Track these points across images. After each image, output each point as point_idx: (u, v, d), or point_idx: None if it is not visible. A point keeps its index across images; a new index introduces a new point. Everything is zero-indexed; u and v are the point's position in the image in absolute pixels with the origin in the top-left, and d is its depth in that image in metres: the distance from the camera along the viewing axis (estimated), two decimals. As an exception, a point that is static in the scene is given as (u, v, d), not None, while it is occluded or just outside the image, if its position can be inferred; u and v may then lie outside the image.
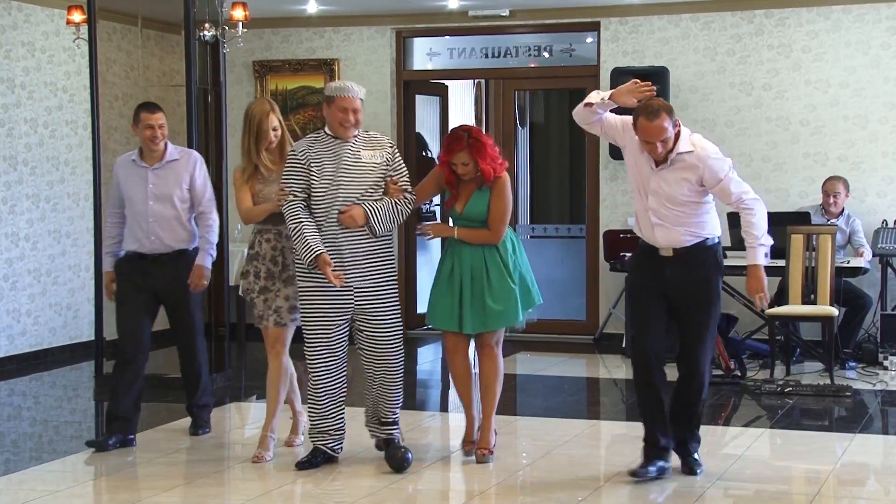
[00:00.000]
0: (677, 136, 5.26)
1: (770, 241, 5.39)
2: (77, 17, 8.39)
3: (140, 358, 6.08)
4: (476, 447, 5.70)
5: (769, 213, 8.73)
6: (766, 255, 5.35)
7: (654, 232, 5.31)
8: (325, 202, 5.44)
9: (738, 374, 7.95)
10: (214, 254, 6.12)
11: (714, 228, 5.38)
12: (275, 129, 5.73)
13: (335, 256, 5.42)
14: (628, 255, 9.06)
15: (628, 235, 9.26)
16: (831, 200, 8.67)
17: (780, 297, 8.30)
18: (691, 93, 9.51)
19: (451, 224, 5.80)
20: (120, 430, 5.98)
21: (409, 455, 5.55)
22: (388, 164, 5.53)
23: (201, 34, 8.05)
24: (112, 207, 6.18)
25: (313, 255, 5.34)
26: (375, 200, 5.46)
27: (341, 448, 5.68)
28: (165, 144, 6.08)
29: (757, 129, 9.42)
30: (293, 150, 5.56)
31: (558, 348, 9.58)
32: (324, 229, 5.44)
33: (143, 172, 6.04)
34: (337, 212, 5.40)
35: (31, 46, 8.86)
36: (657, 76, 9.29)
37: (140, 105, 6.17)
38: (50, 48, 9.02)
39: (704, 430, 6.66)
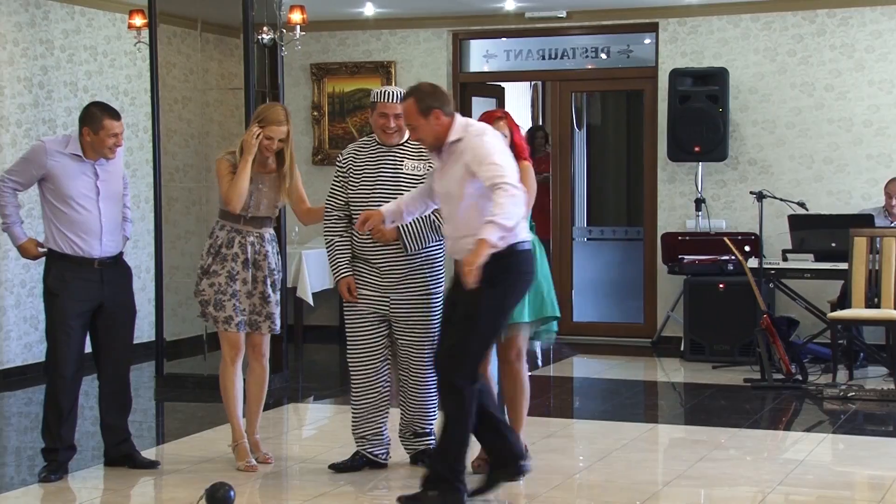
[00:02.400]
0: (448, 128, 4.90)
1: (508, 226, 4.60)
2: (138, 21, 8.52)
3: (79, 387, 5.65)
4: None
5: (831, 216, 8.76)
6: (499, 237, 4.63)
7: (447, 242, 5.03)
8: (362, 211, 5.36)
9: (800, 378, 7.87)
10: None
11: (510, 238, 4.76)
12: (281, 141, 5.51)
13: (372, 268, 5.39)
14: (687, 257, 9.04)
15: (686, 238, 9.23)
16: (894, 202, 8.56)
17: (843, 301, 8.21)
18: (751, 94, 9.44)
19: None
20: (68, 458, 5.62)
21: None
22: None
23: (259, 37, 8.12)
24: (12, 182, 5.53)
25: (337, 279, 5.45)
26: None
27: (387, 455, 5.62)
28: None
29: (818, 130, 9.32)
30: (339, 156, 5.56)
31: (615, 351, 9.55)
32: (361, 240, 5.41)
33: (87, 168, 5.51)
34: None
35: (93, 50, 9.00)
36: (716, 77, 9.25)
37: (103, 108, 5.54)
38: (112, 52, 9.16)
39: (764, 435, 6.66)
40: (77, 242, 5.51)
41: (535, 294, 5.39)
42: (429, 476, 4.93)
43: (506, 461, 5.02)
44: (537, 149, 10.89)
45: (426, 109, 4.88)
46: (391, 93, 5.38)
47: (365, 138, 5.55)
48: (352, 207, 5.44)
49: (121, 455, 5.73)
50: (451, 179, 4.89)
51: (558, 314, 5.52)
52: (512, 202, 4.65)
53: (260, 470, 5.63)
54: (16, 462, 6.24)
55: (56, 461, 5.58)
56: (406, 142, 5.45)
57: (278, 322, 5.70)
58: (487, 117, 5.52)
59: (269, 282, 5.61)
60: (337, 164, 5.54)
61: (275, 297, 5.64)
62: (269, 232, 5.64)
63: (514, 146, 5.41)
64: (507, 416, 5.53)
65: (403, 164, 5.40)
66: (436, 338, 5.45)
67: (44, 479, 5.50)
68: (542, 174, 10.71)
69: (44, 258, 5.64)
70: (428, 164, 5.37)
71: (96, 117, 5.47)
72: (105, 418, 5.75)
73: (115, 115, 5.52)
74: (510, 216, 4.64)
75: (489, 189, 4.71)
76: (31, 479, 5.61)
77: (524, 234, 4.89)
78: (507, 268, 4.81)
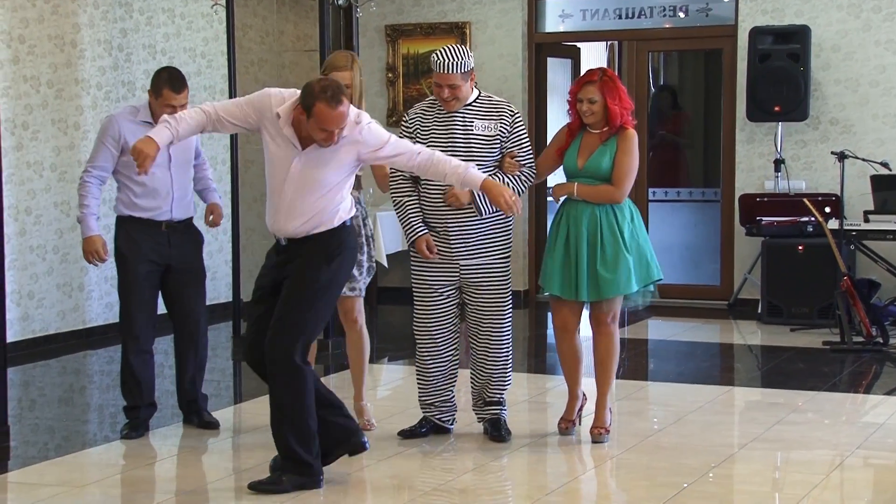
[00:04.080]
0: None
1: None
2: (214, -17, 8.55)
3: (152, 344, 5.73)
4: (591, 426, 5.49)
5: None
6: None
7: (276, 222, 4.75)
8: None
9: (881, 341, 7.76)
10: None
11: (344, 214, 4.78)
12: (347, 86, 5.34)
13: (441, 233, 5.34)
14: (765, 219, 8.92)
15: (765, 199, 9.10)
16: None
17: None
18: (833, 52, 9.24)
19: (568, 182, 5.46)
20: (149, 416, 5.76)
21: (509, 437, 5.50)
22: (504, 135, 5.33)
23: (334, -1, 8.13)
24: (99, 169, 5.60)
25: (412, 239, 5.37)
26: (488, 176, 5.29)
27: (453, 420, 5.63)
28: None
29: (903, 88, 9.11)
30: (405, 117, 5.51)
31: (691, 314, 9.47)
32: (430, 204, 5.35)
33: None
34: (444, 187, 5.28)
35: (171, 13, 9.08)
36: (798, 35, 9.07)
37: (166, 79, 5.51)
38: (189, 15, 9.24)
39: (843, 398, 6.58)
40: (146, 207, 5.59)
41: (639, 261, 5.32)
42: (286, 460, 4.72)
43: (347, 436, 4.88)
44: (664, 110, 10.86)
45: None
46: (440, 62, 5.24)
47: (431, 98, 5.46)
48: None
49: (191, 412, 5.84)
50: (324, 165, 4.65)
51: (661, 276, 5.43)
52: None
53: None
54: (98, 419, 6.39)
55: (137, 419, 5.70)
56: (474, 101, 5.37)
57: (360, 283, 5.64)
58: (579, 81, 5.40)
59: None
60: (403, 124, 5.48)
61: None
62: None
63: (608, 112, 5.28)
64: (595, 377, 5.52)
65: (474, 124, 5.32)
66: (506, 305, 5.44)
67: (125, 437, 5.63)
68: (669, 134, 10.74)
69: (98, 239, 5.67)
70: (500, 124, 5.33)
71: (159, 84, 5.51)
72: (178, 377, 5.84)
73: (178, 87, 5.49)
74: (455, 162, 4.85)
75: (413, 161, 4.76)
76: (113, 435, 5.75)
77: (352, 210, 4.85)
78: (342, 243, 4.76)
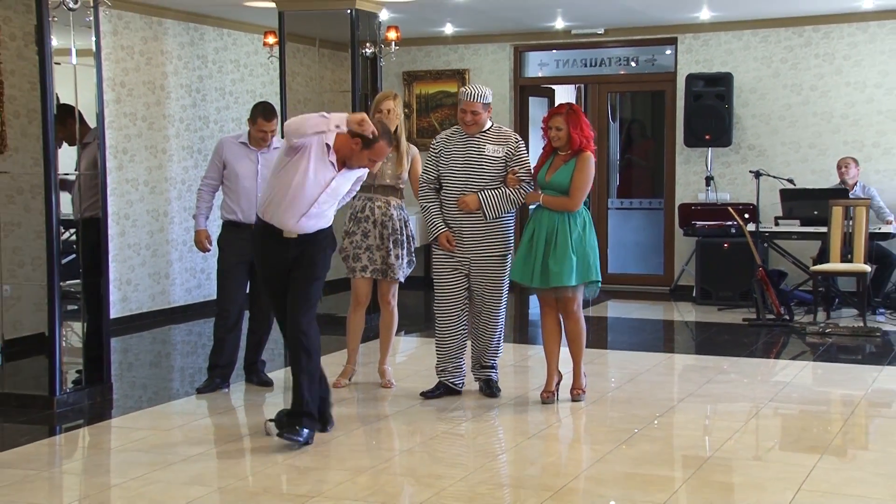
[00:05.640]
0: None
1: None
2: (271, 40, 8.56)
3: (241, 320, 5.69)
4: (570, 388, 5.40)
5: (814, 190, 8.55)
6: None
7: (298, 221, 4.58)
8: (452, 186, 5.34)
9: (787, 318, 7.74)
10: None
11: (330, 220, 4.70)
12: (389, 111, 5.47)
13: (456, 232, 5.34)
14: (699, 222, 8.89)
15: (698, 207, 9.08)
16: (843, 170, 8.39)
17: (822, 257, 8.05)
18: (751, 93, 9.22)
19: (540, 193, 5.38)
20: (220, 375, 5.68)
21: (499, 394, 5.48)
22: (509, 157, 5.32)
23: (363, 51, 8.12)
24: (209, 179, 5.65)
25: (435, 234, 5.37)
26: (493, 189, 5.29)
27: (462, 383, 5.57)
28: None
29: (805, 121, 9.08)
30: (434, 140, 5.53)
31: (641, 297, 9.46)
32: (449, 209, 5.36)
33: (252, 155, 5.56)
34: (459, 196, 5.31)
35: (237, 63, 9.07)
36: (723, 80, 9.05)
37: (261, 110, 5.53)
38: (250, 64, 9.22)
39: (758, 362, 6.56)
40: (238, 212, 5.58)
41: (582, 261, 5.21)
42: (299, 416, 4.56)
43: (322, 414, 4.76)
44: (635, 138, 10.86)
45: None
46: (468, 92, 5.30)
47: (456, 127, 5.47)
48: (443, 181, 5.39)
49: (251, 373, 5.82)
50: (349, 183, 4.71)
51: (599, 279, 5.30)
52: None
53: (363, 388, 5.69)
54: (180, 378, 6.39)
55: (212, 377, 5.68)
56: (488, 129, 5.37)
57: (398, 272, 5.60)
58: (550, 112, 5.36)
59: (391, 239, 5.56)
60: (431, 146, 5.50)
61: (394, 252, 5.56)
62: (395, 200, 5.58)
63: (570, 139, 5.21)
64: (570, 352, 5.43)
65: (486, 147, 5.32)
66: (503, 290, 5.40)
67: (200, 391, 5.62)
68: (635, 157, 10.74)
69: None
70: (506, 148, 5.32)
71: (254, 114, 5.55)
72: (247, 344, 5.83)
73: (269, 116, 5.53)
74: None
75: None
76: (191, 391, 5.74)
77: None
78: (333, 237, 4.76)
